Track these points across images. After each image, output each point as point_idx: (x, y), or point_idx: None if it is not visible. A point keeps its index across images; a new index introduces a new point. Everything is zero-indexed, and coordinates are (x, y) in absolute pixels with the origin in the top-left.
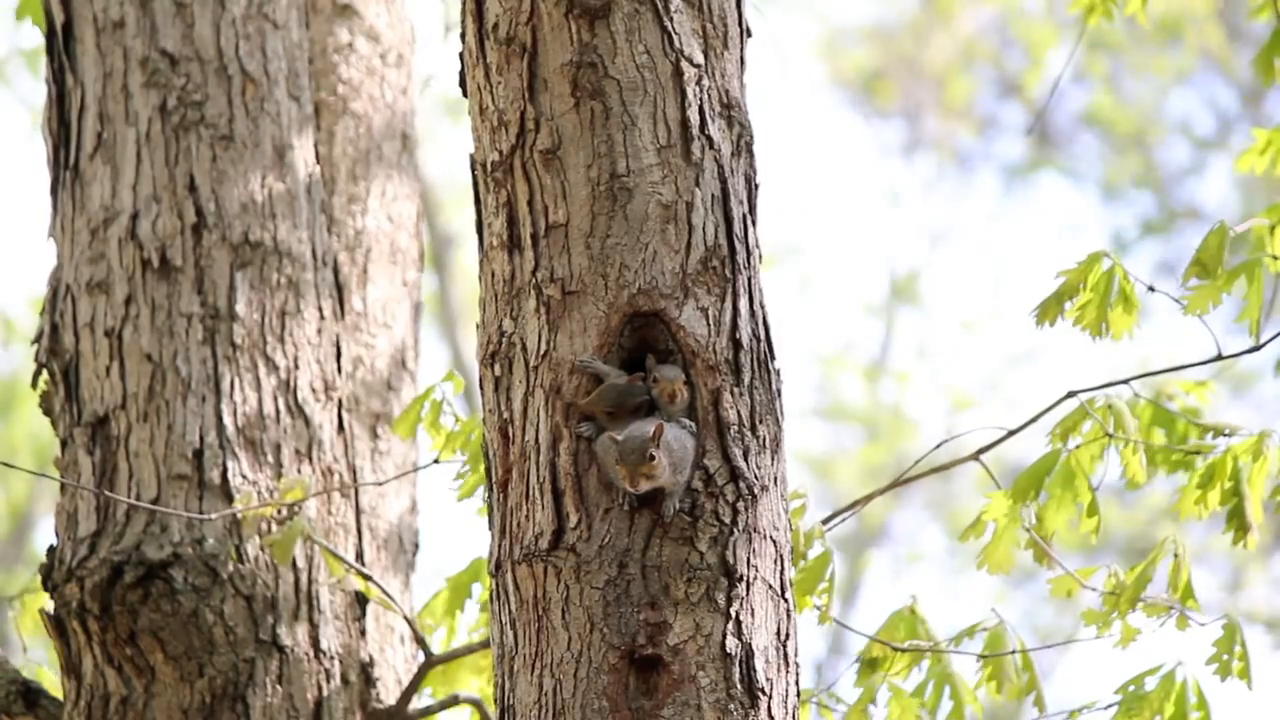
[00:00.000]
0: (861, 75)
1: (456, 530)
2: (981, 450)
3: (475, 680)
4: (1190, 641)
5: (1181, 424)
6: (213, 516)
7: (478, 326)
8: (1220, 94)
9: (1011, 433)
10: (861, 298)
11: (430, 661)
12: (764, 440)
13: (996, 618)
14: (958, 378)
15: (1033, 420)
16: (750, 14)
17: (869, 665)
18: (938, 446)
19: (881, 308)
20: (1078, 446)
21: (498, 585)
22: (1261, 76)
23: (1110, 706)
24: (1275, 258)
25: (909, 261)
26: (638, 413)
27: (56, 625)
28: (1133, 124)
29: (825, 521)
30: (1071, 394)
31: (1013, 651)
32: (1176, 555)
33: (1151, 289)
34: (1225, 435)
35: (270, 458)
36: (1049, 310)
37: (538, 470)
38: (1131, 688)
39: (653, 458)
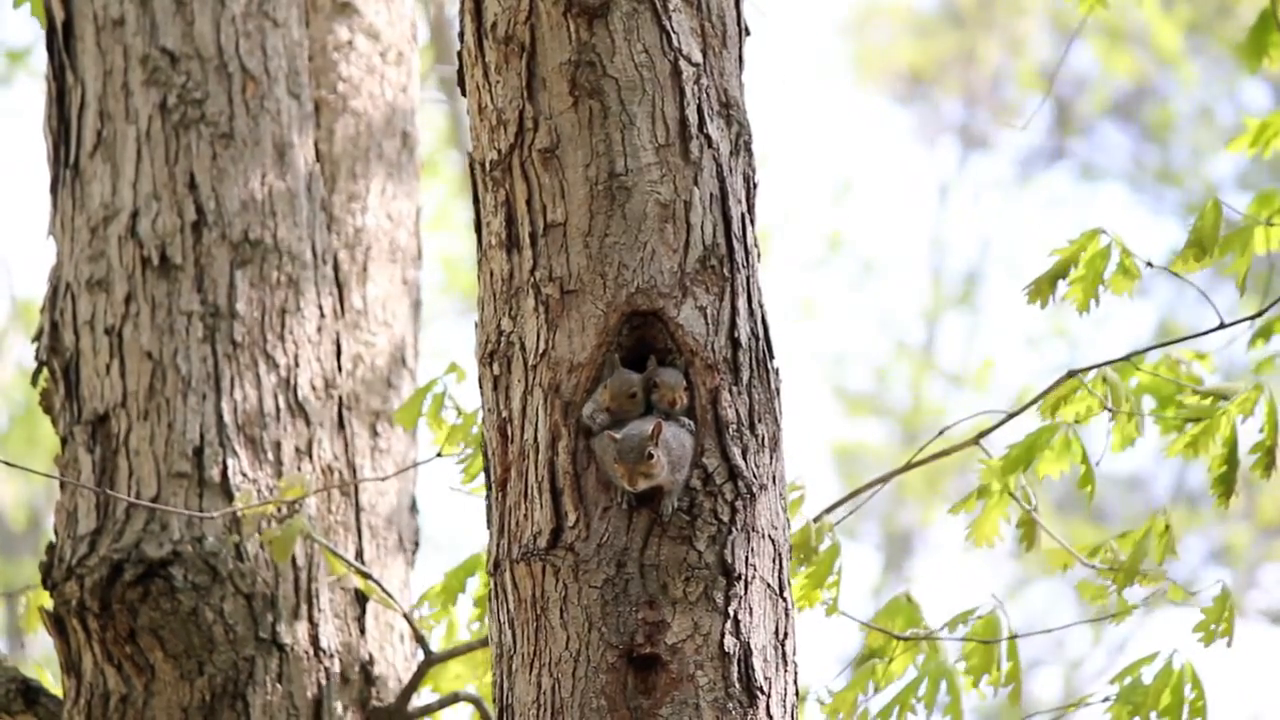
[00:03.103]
0: (907, 67)
1: (457, 526)
2: (982, 434)
3: (472, 677)
4: (1183, 616)
5: (1171, 388)
6: (213, 515)
7: (476, 325)
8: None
9: (1010, 415)
10: (909, 293)
11: (430, 660)
12: (762, 439)
13: (994, 602)
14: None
15: (1033, 402)
16: (750, 13)
17: (866, 657)
18: (940, 434)
19: (929, 302)
20: (1075, 421)
21: (496, 584)
22: (1248, 63)
23: (1107, 700)
24: (1271, 223)
25: (958, 256)
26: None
27: (56, 623)
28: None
29: (827, 511)
30: (1072, 374)
31: (1000, 639)
32: (1168, 526)
33: (1150, 264)
34: (1223, 399)
35: (270, 455)
36: (1041, 289)
37: (536, 469)
38: (1128, 679)
39: (651, 456)
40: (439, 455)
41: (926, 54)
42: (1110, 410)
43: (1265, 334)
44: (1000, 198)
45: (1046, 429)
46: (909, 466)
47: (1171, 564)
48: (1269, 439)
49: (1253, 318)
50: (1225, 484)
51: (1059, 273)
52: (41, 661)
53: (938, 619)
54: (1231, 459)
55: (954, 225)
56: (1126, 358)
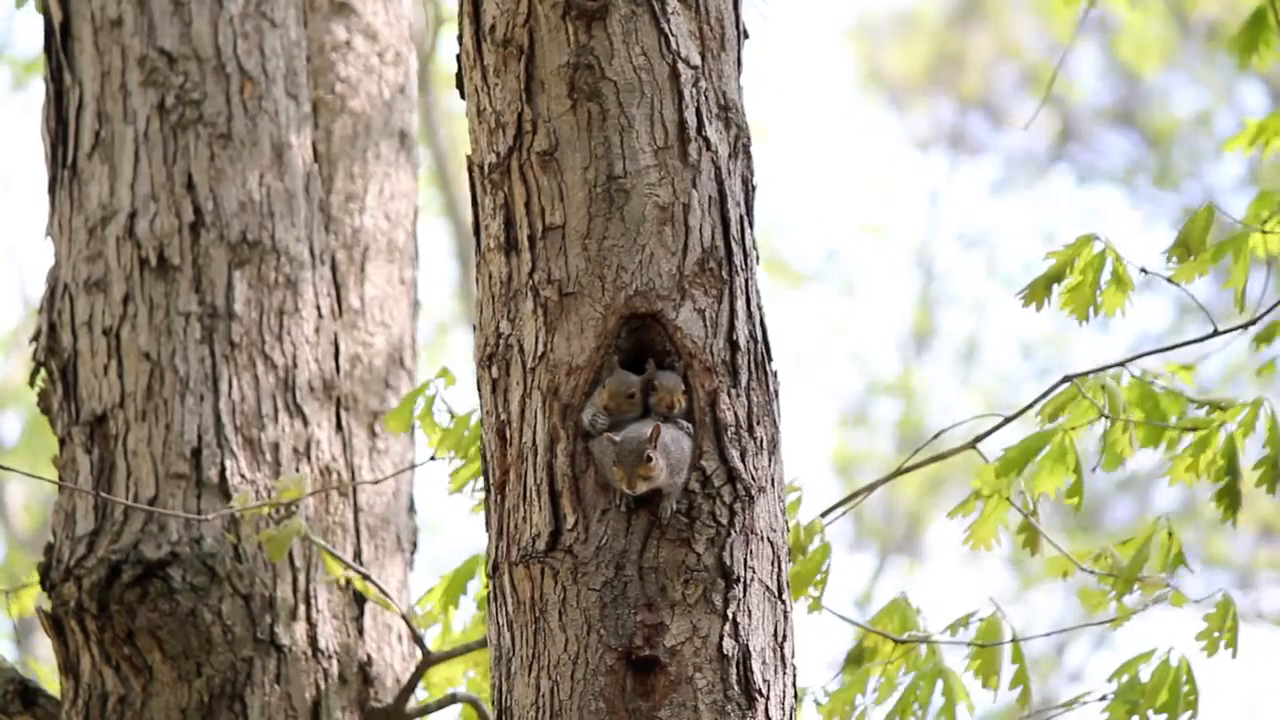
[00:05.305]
0: (899, 71)
1: (454, 527)
2: (978, 438)
3: (471, 672)
4: (1185, 619)
5: (1166, 400)
6: (211, 516)
7: (474, 328)
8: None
9: (1008, 419)
10: (896, 295)
11: (428, 660)
12: (761, 442)
13: (993, 606)
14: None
15: (1029, 407)
16: (750, 14)
17: (855, 658)
18: (935, 437)
19: (914, 305)
20: (1072, 428)
21: (495, 587)
22: (1239, 59)
23: (1104, 698)
24: (1264, 231)
25: (944, 260)
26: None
27: (54, 625)
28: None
29: (823, 515)
30: (1068, 379)
31: (1001, 642)
32: (1171, 533)
33: (1144, 270)
34: (1220, 409)
35: (268, 456)
36: (1037, 293)
37: (535, 472)
38: (1125, 677)
39: (650, 459)
40: (433, 459)
41: (920, 58)
42: (1107, 418)
43: (1268, 338)
44: (994, 202)
45: (1043, 434)
46: (902, 471)
47: (1178, 573)
48: (1272, 452)
49: (1248, 325)
50: (1229, 496)
51: (1054, 276)
52: (45, 664)
53: (931, 623)
54: (1233, 470)
55: (947, 231)
56: (1123, 363)
